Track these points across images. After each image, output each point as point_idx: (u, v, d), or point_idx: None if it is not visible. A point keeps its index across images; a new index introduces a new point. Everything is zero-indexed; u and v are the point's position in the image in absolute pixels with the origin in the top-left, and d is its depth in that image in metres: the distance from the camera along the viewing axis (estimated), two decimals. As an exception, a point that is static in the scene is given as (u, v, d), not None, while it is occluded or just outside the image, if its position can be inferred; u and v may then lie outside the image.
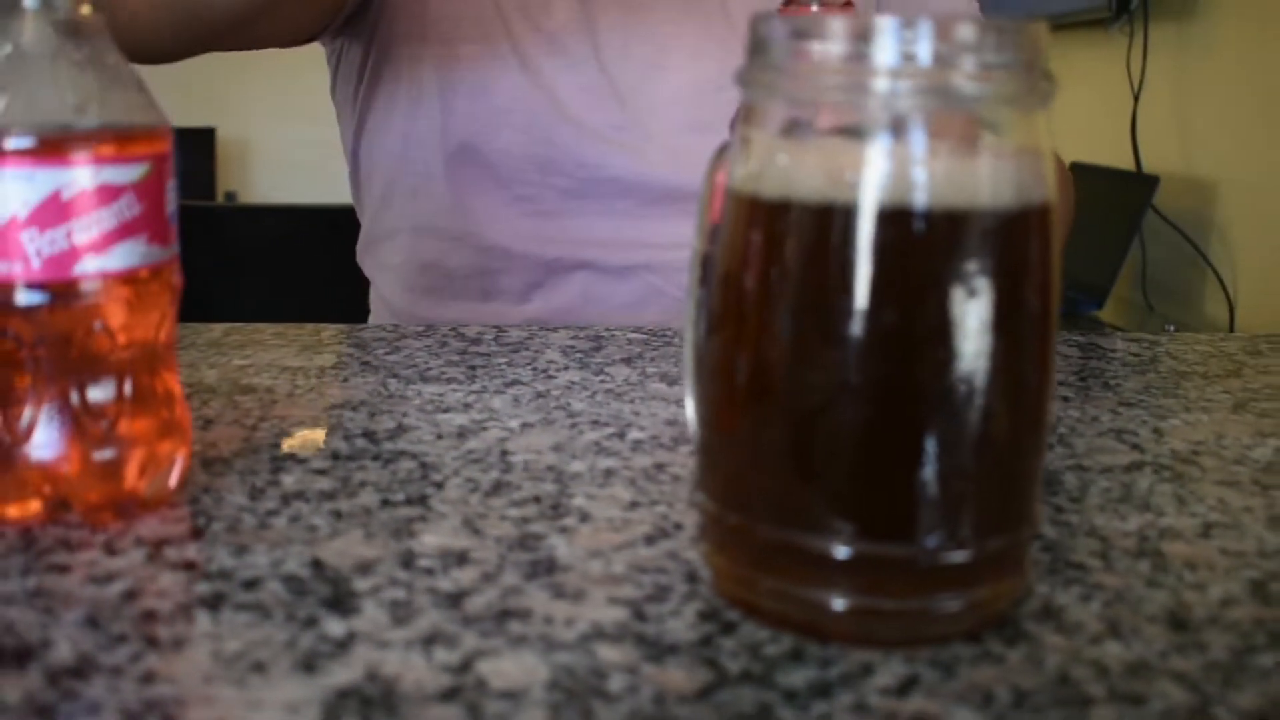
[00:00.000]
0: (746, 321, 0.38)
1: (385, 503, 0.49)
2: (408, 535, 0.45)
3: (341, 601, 0.40)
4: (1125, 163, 2.32)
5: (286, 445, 0.55)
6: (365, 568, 0.42)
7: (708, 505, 0.40)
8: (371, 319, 1.10)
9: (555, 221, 0.97)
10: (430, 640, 0.37)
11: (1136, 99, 2.33)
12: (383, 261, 1.06)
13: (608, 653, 0.37)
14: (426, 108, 0.97)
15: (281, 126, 3.98)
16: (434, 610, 0.39)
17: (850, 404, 0.36)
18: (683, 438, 0.57)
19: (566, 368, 0.69)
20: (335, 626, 0.38)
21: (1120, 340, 0.81)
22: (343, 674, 0.35)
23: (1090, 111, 2.47)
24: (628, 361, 0.71)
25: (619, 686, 0.35)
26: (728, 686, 0.35)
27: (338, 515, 0.47)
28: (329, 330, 0.78)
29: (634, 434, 0.58)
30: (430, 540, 0.45)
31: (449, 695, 0.34)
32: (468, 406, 0.61)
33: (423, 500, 0.49)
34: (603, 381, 0.67)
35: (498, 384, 0.66)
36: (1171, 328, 2.22)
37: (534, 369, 0.69)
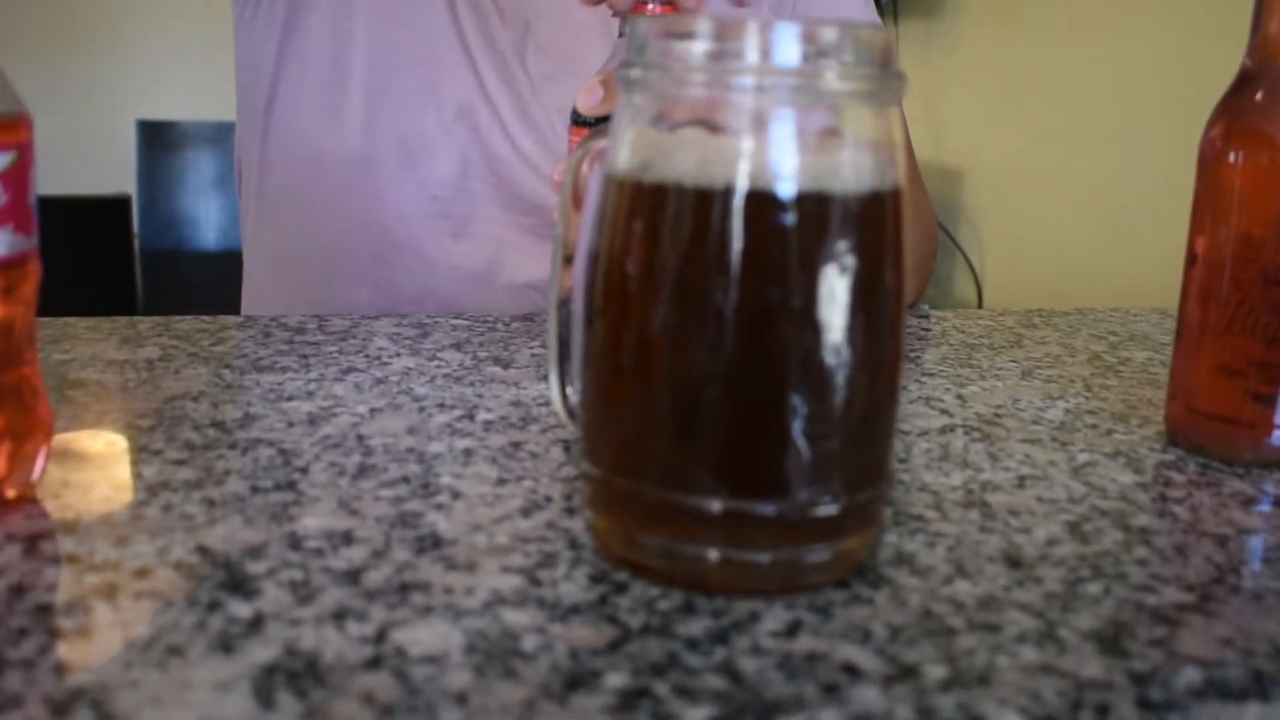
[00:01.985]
0: (630, 303, 0.41)
1: (255, 489, 0.49)
2: (287, 519, 0.46)
3: (240, 585, 0.41)
4: (879, 151, 2.44)
5: (137, 438, 0.55)
6: (254, 552, 0.43)
7: (594, 472, 0.43)
8: (246, 294, 1.07)
9: (463, 226, 0.96)
10: (340, 615, 0.39)
11: (887, 90, 2.46)
12: (273, 225, 1.02)
13: (514, 616, 0.39)
14: (356, 92, 0.95)
15: (42, 112, 3.79)
16: (335, 588, 0.41)
17: (727, 374, 0.39)
18: (530, 418, 0.60)
19: (399, 354, 0.71)
20: (241, 608, 0.39)
21: (911, 317, 0.87)
22: (262, 652, 0.36)
23: (844, 102, 2.58)
24: (458, 347, 0.73)
25: (533, 645, 0.37)
26: (634, 639, 0.38)
27: (210, 503, 0.48)
28: (145, 323, 0.77)
29: (483, 415, 0.60)
30: (311, 523, 0.46)
31: (373, 664, 0.36)
32: (311, 394, 0.62)
33: (292, 485, 0.50)
34: (438, 367, 0.68)
35: (334, 371, 0.66)
36: (926, 306, 2.35)
37: (366, 356, 0.70)
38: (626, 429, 0.42)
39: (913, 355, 0.75)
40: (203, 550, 0.43)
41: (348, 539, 0.45)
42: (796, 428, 0.40)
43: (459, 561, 0.43)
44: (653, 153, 0.40)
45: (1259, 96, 0.57)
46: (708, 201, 0.39)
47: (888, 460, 0.43)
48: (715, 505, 0.40)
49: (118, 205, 1.72)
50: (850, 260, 0.39)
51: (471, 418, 0.59)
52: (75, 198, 1.69)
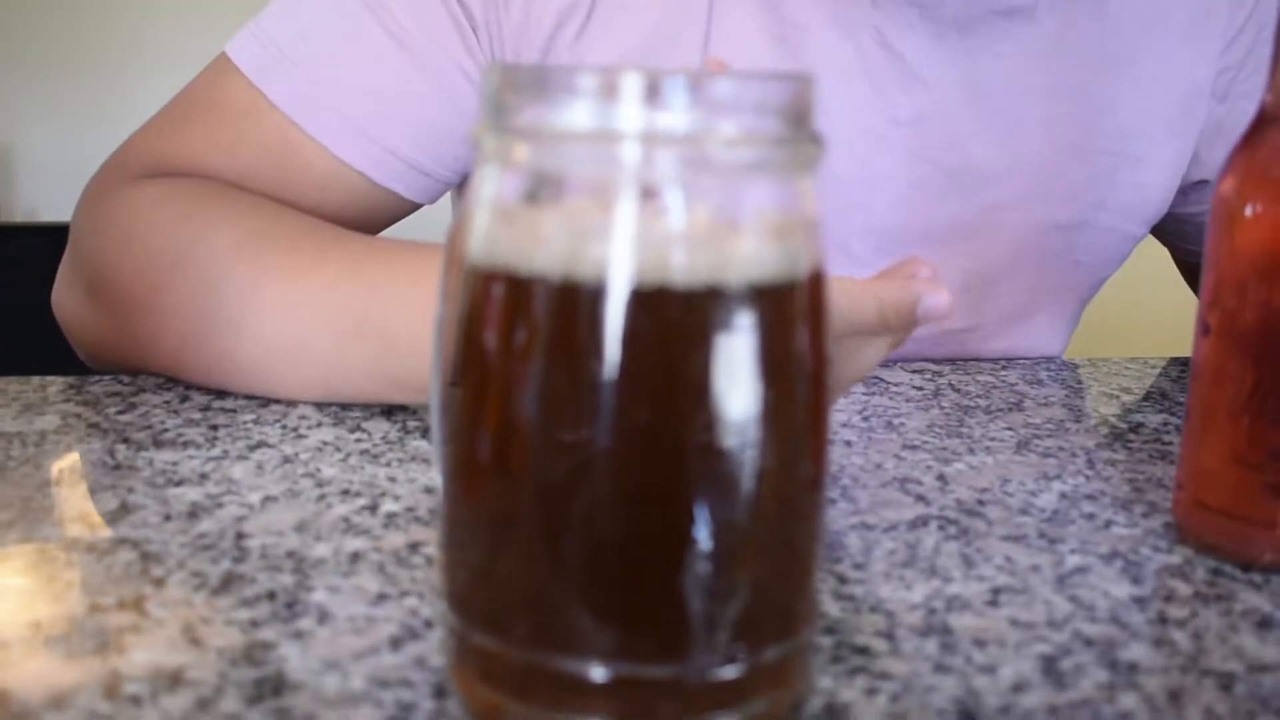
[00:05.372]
0: (483, 413, 0.33)
1: (94, 608, 0.42)
2: (115, 652, 0.39)
3: (22, 750, 0.34)
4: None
5: (-15, 537, 0.49)
6: (59, 700, 0.36)
7: (450, 621, 0.35)
8: None
9: None
10: (124, 799, 0.32)
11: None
12: None
13: (335, 803, 0.32)
14: None
15: (48, 130, 3.74)
16: (134, 755, 0.34)
17: (601, 510, 0.32)
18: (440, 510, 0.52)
19: (320, 424, 0.64)
20: (9, 787, 0.32)
21: (903, 372, 0.79)
22: None
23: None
24: (388, 414, 0.66)
25: None
26: (472, 842, 0.30)
27: (36, 627, 0.41)
28: (56, 385, 0.70)
29: (388, 505, 0.52)
30: (141, 658, 0.39)
31: None
32: (204, 478, 0.55)
33: (138, 604, 0.43)
34: (358, 440, 0.61)
35: (241, 447, 0.59)
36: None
37: (283, 427, 0.63)
38: (483, 576, 0.34)
39: (897, 422, 0.67)
40: (1, 697, 0.36)
41: (175, 681, 0.38)
42: (688, 573, 0.32)
43: (295, 716, 0.36)
44: (509, 233, 0.33)
45: (1280, 141, 0.50)
46: (572, 299, 0.31)
47: (807, 602, 0.35)
48: (594, 671, 0.32)
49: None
50: (751, 368, 0.32)
51: (374, 509, 0.52)
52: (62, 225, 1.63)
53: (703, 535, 0.32)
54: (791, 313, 0.33)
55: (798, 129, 0.32)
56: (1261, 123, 0.50)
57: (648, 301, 0.31)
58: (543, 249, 0.32)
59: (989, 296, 0.83)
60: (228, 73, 0.74)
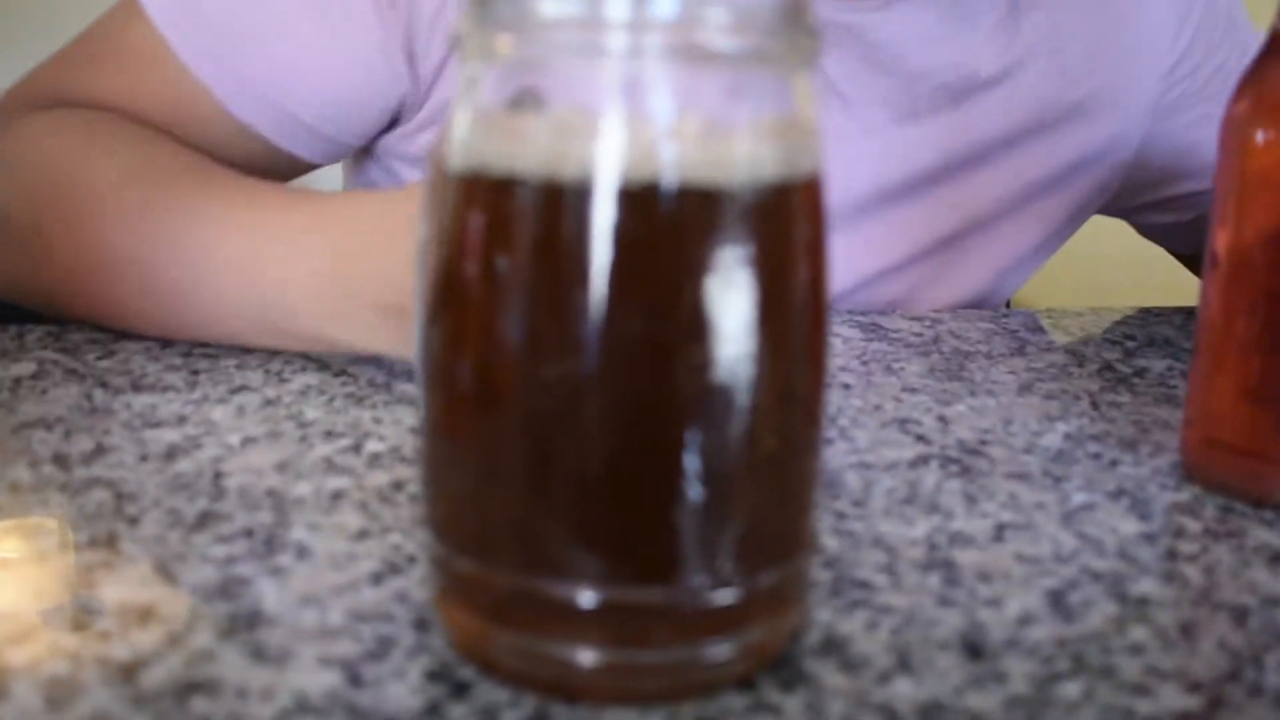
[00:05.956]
0: (466, 327, 0.32)
1: (64, 545, 0.41)
2: (85, 587, 0.38)
3: (-18, 684, 0.32)
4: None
5: (-46, 477, 0.47)
6: (25, 635, 0.35)
7: (432, 546, 0.34)
8: None
9: None
10: (87, 732, 0.30)
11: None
12: None
13: (309, 735, 0.30)
14: None
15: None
16: (101, 688, 0.32)
17: (590, 427, 0.30)
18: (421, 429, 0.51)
19: (305, 369, 0.62)
20: (-33, 720, 0.31)
21: (902, 319, 0.77)
22: (-36, 788, 0.28)
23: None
24: (375, 359, 0.64)
25: (318, 782, 0.28)
26: (453, 773, 0.29)
27: (2, 564, 0.39)
28: (35, 333, 0.68)
29: (372, 445, 0.51)
30: (112, 593, 0.37)
31: (99, 810, 0.27)
32: (182, 420, 0.53)
33: (111, 541, 0.41)
34: (343, 384, 0.59)
35: (222, 391, 0.58)
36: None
37: (266, 371, 0.61)
38: (467, 495, 0.33)
39: (896, 366, 0.66)
40: (-39, 633, 0.35)
41: (145, 617, 0.36)
42: (682, 492, 0.31)
43: (270, 650, 0.34)
44: (492, 135, 0.31)
45: (1293, 65, 0.48)
46: (556, 200, 0.30)
47: (807, 525, 0.34)
48: (583, 595, 0.31)
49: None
50: (748, 270, 0.30)
51: (358, 450, 0.50)
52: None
53: (696, 451, 0.30)
54: (789, 217, 0.31)
55: (793, 21, 0.30)
56: (1274, 46, 0.49)
57: (635, 202, 0.29)
58: (527, 149, 0.30)
59: (911, 271, 0.83)
60: (138, 14, 0.71)
